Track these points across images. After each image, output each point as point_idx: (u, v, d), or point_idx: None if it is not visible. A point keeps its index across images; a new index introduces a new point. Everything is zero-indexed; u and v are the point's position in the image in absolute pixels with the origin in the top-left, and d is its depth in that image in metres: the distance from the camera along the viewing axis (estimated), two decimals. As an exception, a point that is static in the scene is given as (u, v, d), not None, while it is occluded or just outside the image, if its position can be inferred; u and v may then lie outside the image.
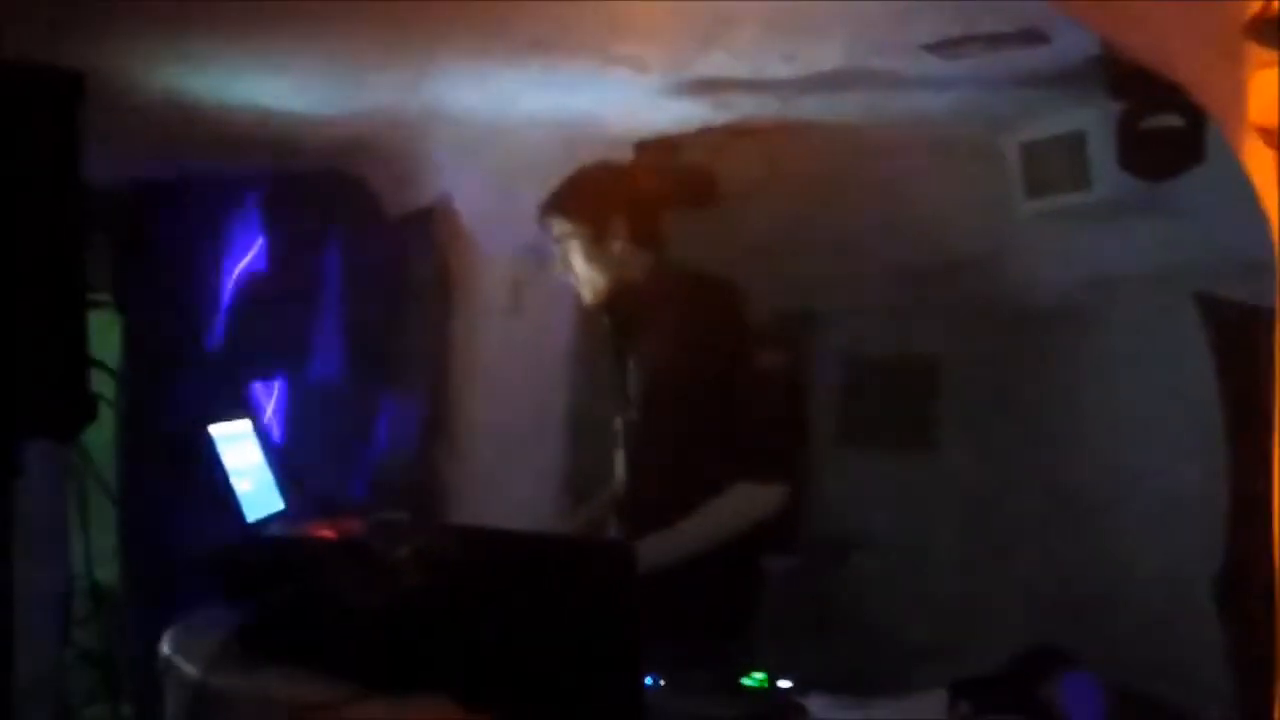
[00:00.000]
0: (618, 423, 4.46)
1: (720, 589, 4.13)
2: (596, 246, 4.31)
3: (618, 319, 4.39)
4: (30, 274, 2.79)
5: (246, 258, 6.06)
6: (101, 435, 5.64)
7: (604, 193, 4.37)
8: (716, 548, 4.06)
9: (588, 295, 4.40)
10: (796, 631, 5.34)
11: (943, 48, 4.39)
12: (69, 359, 2.91)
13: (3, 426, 2.87)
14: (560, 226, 4.36)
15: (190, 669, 3.65)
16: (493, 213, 5.53)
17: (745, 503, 4.07)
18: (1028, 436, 6.43)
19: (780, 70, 4.63)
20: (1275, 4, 2.10)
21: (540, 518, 5.26)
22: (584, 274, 4.35)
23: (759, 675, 3.43)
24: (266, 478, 4.49)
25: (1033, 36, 4.29)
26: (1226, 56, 2.27)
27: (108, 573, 6.07)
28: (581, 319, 5.35)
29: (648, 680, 3.29)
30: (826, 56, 4.50)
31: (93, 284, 3.01)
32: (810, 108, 5.17)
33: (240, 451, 4.41)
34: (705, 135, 5.53)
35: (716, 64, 4.57)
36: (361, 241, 6.11)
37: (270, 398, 5.45)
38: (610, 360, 4.54)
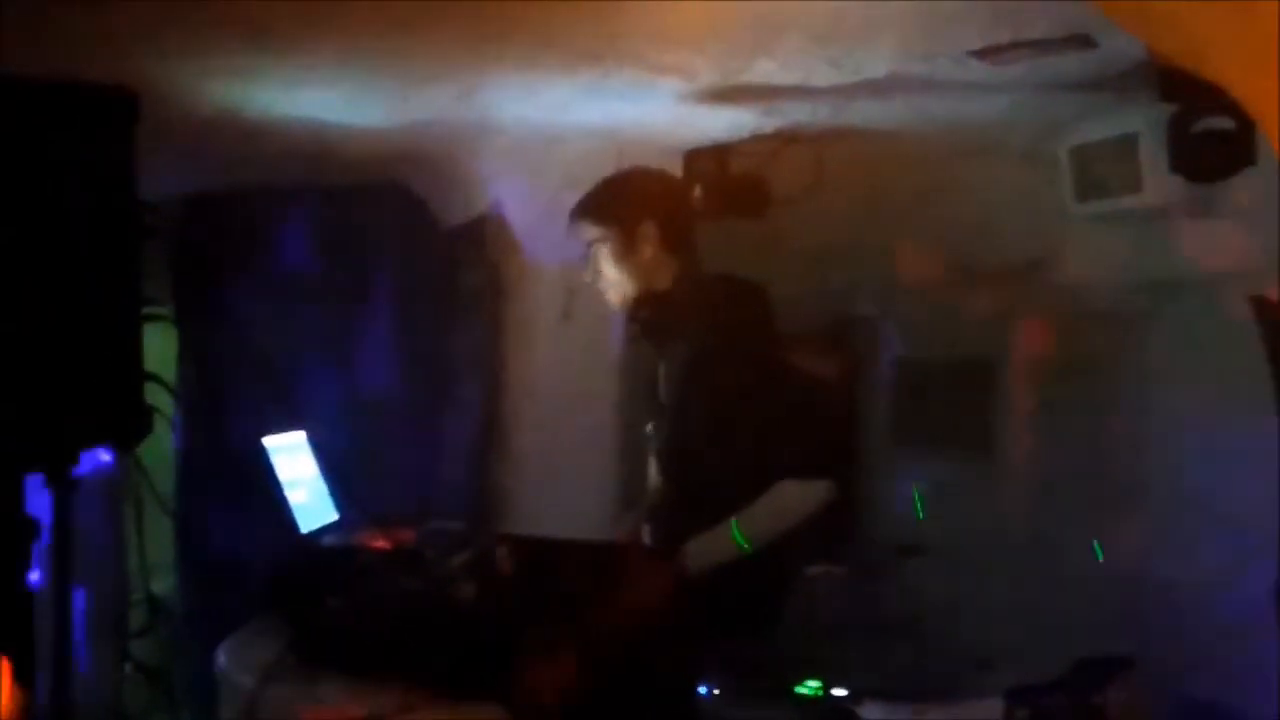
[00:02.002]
0: (649, 429, 4.47)
1: (758, 593, 4.12)
2: (626, 252, 4.32)
3: (646, 325, 4.40)
4: (86, 288, 2.82)
5: (300, 270, 6.08)
6: (157, 448, 5.68)
7: (634, 199, 4.38)
8: (760, 550, 4.05)
9: (616, 301, 4.41)
10: (851, 638, 5.32)
11: (990, 54, 4.38)
12: (124, 373, 2.93)
13: (60, 441, 2.89)
14: (590, 232, 4.37)
15: (246, 680, 3.67)
16: (544, 222, 5.54)
17: (789, 499, 4.05)
18: (1082, 440, 6.40)
19: (829, 77, 4.63)
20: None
21: (593, 525, 5.26)
22: (613, 279, 4.36)
23: (813, 683, 3.43)
24: (321, 488, 4.51)
25: (1080, 41, 4.28)
26: (1265, 60, 2.26)
27: (164, 585, 6.11)
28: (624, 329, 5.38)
29: (702, 689, 3.30)
30: (874, 63, 4.49)
31: (149, 297, 3.03)
32: (860, 114, 5.17)
33: (294, 462, 4.43)
34: (755, 143, 5.54)
35: (765, 72, 4.56)
36: (414, 252, 6.13)
37: (324, 409, 5.47)
38: (640, 367, 4.55)
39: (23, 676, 2.91)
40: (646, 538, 4.43)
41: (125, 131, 2.87)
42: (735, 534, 3.95)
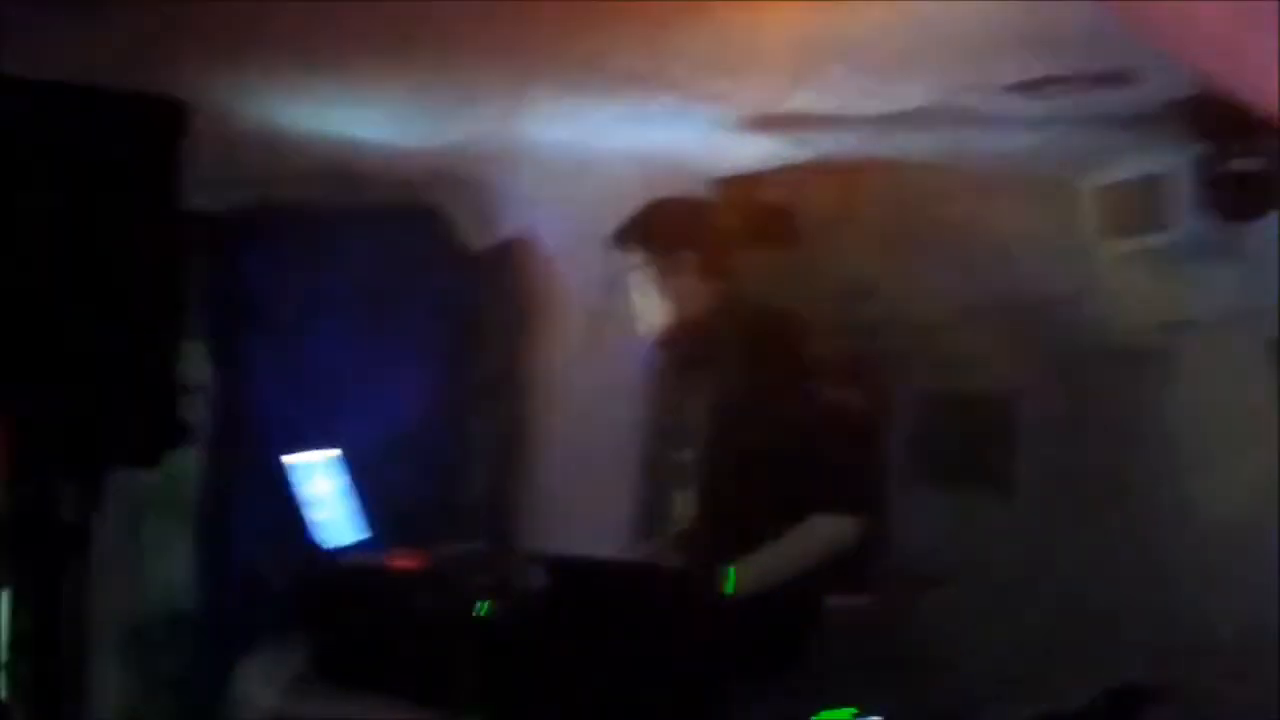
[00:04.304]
0: (677, 458, 4.46)
1: (781, 624, 4.11)
2: (665, 279, 4.31)
3: (681, 353, 4.39)
4: (129, 300, 2.82)
5: (329, 289, 6.08)
6: (182, 461, 5.69)
7: (676, 226, 4.37)
8: (788, 581, 4.05)
9: (649, 327, 4.40)
10: (871, 669, 5.31)
11: (1026, 87, 4.39)
12: (162, 385, 2.94)
13: (92, 451, 2.90)
14: (629, 257, 4.37)
15: (268, 696, 3.68)
16: (574, 247, 5.55)
17: (821, 535, 4.05)
18: (1103, 477, 6.39)
19: (865, 107, 4.63)
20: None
21: (616, 548, 5.26)
22: (650, 306, 4.36)
23: (837, 714, 3.43)
24: (345, 508, 4.52)
25: (1117, 78, 4.29)
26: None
27: (187, 598, 6.11)
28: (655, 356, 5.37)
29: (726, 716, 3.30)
30: (910, 94, 4.50)
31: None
32: (892, 146, 5.17)
33: (320, 481, 4.44)
34: (787, 173, 5.53)
35: (803, 101, 4.56)
36: (443, 274, 6.13)
37: (350, 429, 5.48)
38: (669, 395, 4.55)
39: (49, 686, 2.92)
40: (674, 564, 4.43)
41: (173, 141, 2.89)
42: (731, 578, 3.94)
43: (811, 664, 4.19)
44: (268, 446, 5.16)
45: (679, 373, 4.45)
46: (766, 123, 4.85)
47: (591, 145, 5.13)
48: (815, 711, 3.46)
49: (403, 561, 4.13)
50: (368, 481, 4.67)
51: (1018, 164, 5.44)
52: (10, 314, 2.66)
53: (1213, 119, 4.64)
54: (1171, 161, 5.21)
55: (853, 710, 3.42)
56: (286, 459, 4.37)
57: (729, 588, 3.69)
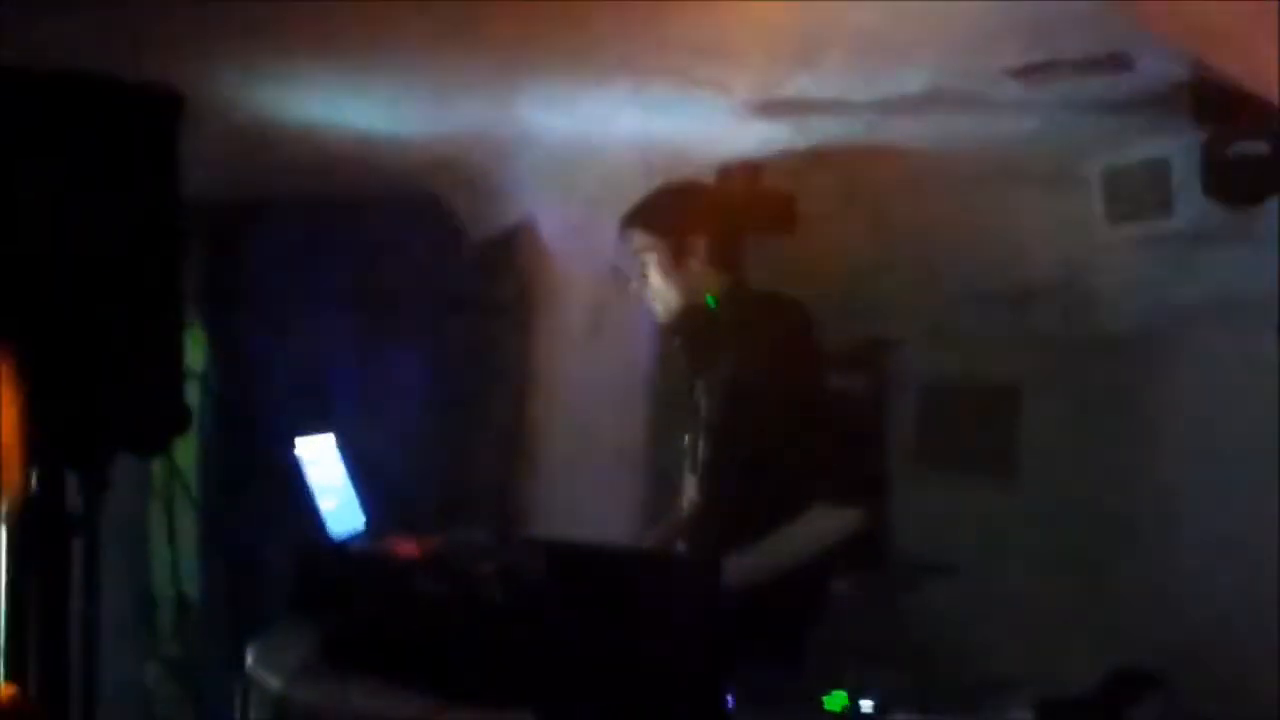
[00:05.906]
0: (687, 442, 4.45)
1: (787, 608, 4.11)
2: (674, 263, 4.30)
3: (689, 338, 4.39)
4: (129, 288, 2.82)
5: (331, 278, 6.09)
6: (185, 449, 5.71)
7: (686, 211, 4.35)
8: (792, 570, 4.05)
9: (661, 312, 4.39)
10: (875, 654, 5.31)
11: (1028, 73, 4.38)
12: (164, 372, 2.94)
13: (95, 438, 2.90)
14: (640, 240, 4.35)
15: (273, 682, 3.68)
16: (575, 235, 5.55)
17: (823, 525, 4.04)
18: (1106, 462, 6.39)
19: (866, 93, 4.63)
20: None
21: (618, 536, 5.27)
22: (659, 290, 4.34)
23: (840, 695, 3.43)
24: (350, 494, 4.52)
25: (1118, 62, 4.28)
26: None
27: (191, 585, 6.13)
28: (661, 341, 5.36)
29: (729, 699, 3.30)
30: (911, 80, 4.50)
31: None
32: (893, 132, 5.17)
33: (324, 468, 4.44)
34: (787, 159, 5.53)
35: (803, 86, 4.56)
36: (444, 263, 6.14)
37: (354, 416, 5.49)
38: (680, 380, 4.54)
39: (56, 674, 2.91)
40: (679, 549, 4.43)
41: (171, 130, 2.88)
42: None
43: (814, 652, 4.19)
44: (271, 434, 5.17)
45: (686, 358, 4.45)
46: (767, 108, 4.85)
47: (591, 133, 5.14)
48: (817, 699, 3.45)
49: (406, 548, 4.14)
50: (371, 469, 4.67)
51: (1020, 149, 5.43)
52: (9, 304, 2.66)
53: (1216, 103, 4.63)
54: (1175, 146, 5.20)
55: (844, 694, 3.40)
56: (291, 447, 4.36)
57: (729, 576, 3.68)
